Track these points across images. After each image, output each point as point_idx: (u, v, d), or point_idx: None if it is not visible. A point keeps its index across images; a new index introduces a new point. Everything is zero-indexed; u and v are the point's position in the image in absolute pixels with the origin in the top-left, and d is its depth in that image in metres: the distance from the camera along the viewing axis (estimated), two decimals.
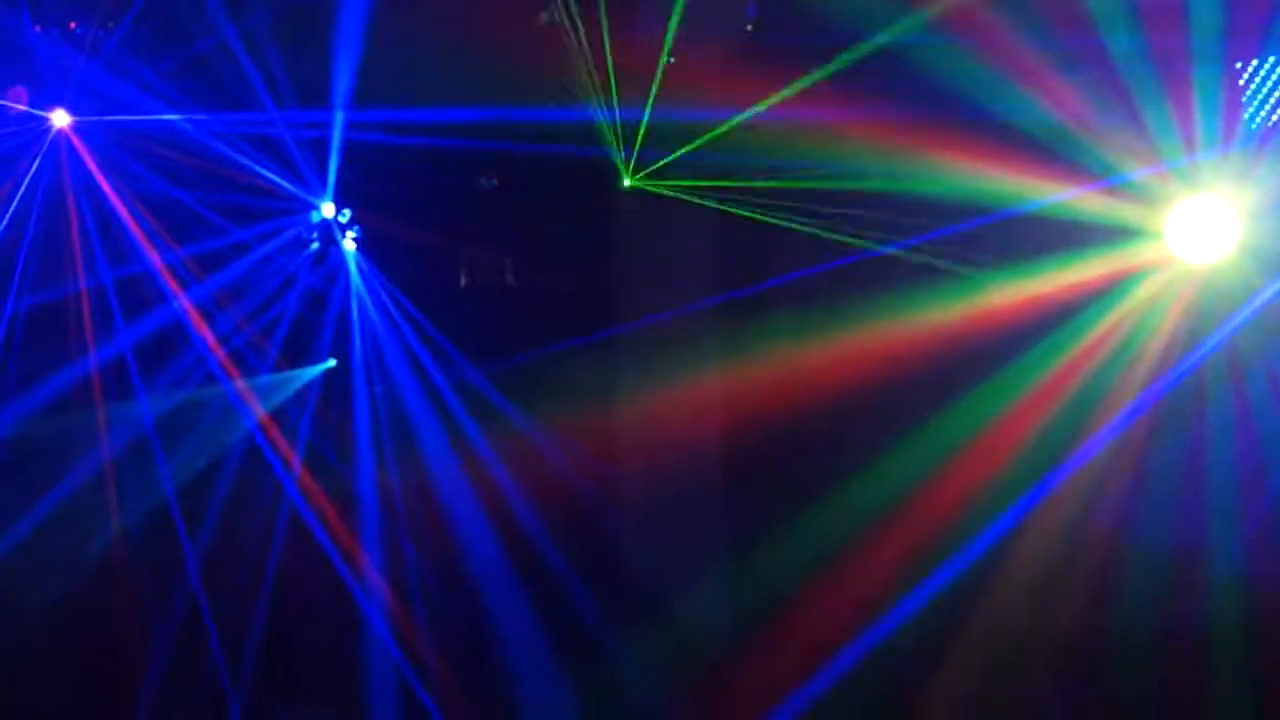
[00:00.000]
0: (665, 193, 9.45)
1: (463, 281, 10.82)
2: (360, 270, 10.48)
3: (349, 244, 10.37)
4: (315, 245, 10.30)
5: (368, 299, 10.49)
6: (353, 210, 10.22)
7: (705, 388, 9.29)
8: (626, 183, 9.68)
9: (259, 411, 10.17)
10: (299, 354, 10.48)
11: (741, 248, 9.33)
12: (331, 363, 10.58)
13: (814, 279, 8.80)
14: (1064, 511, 8.13)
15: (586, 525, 9.76)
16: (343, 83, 9.02)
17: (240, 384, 10.10)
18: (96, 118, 9.29)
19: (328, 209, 10.16)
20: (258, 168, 9.84)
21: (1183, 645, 7.95)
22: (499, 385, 10.07)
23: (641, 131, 9.27)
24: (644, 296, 9.73)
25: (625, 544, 9.85)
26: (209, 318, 10.05)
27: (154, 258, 9.83)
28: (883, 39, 7.89)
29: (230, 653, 9.81)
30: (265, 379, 10.31)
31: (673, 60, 8.87)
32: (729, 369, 9.19)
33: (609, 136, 9.43)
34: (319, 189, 10.01)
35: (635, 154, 9.48)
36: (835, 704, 8.54)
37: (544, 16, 8.93)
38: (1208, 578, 7.97)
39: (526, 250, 10.52)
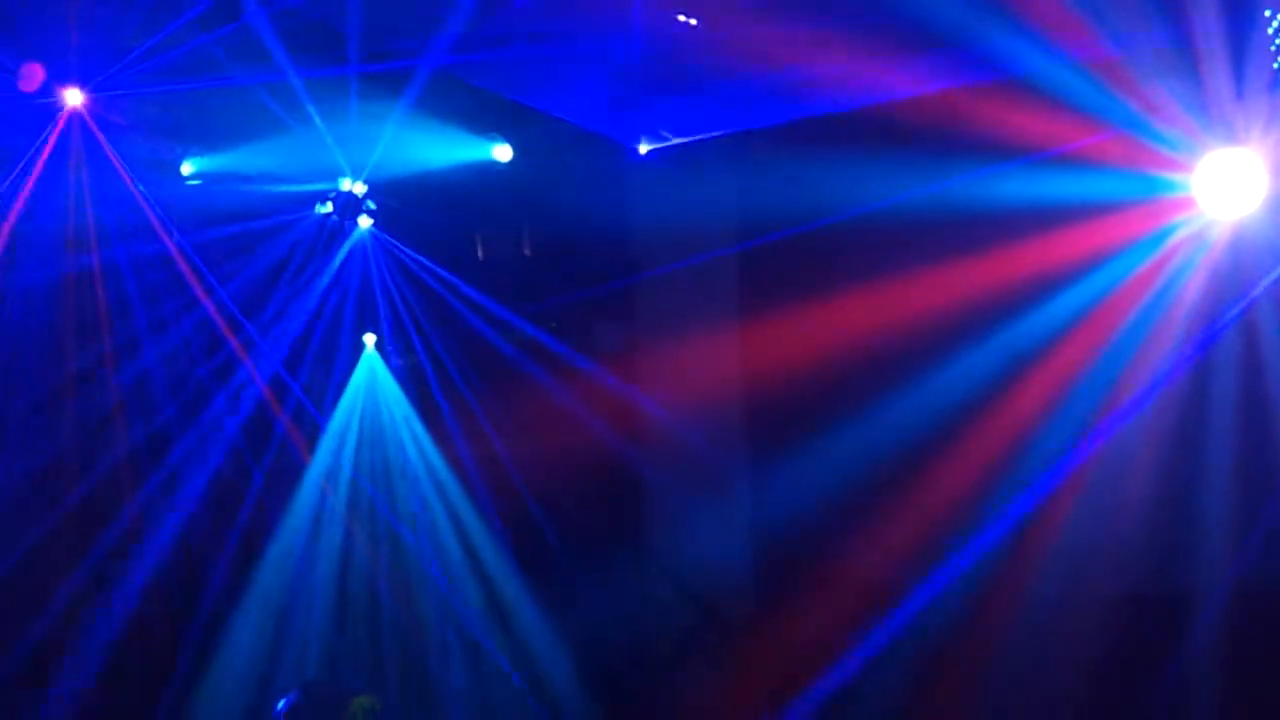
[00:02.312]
0: None
1: (480, 254, 10.78)
2: (381, 247, 10.44)
3: (365, 220, 10.28)
4: (333, 218, 10.20)
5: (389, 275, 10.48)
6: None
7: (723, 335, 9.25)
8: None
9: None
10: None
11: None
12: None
13: (833, 228, 8.70)
14: (1096, 474, 7.95)
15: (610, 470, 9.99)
16: None
17: None
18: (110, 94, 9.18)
19: (346, 183, 10.08)
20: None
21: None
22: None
23: None
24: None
25: (647, 489, 10.07)
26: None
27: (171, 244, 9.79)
28: None
29: None
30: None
31: None
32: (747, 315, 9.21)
33: None
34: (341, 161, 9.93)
35: None
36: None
37: None
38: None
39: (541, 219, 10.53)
